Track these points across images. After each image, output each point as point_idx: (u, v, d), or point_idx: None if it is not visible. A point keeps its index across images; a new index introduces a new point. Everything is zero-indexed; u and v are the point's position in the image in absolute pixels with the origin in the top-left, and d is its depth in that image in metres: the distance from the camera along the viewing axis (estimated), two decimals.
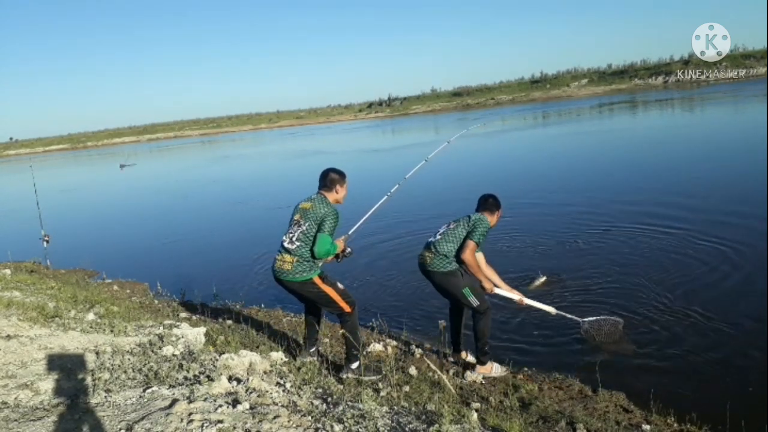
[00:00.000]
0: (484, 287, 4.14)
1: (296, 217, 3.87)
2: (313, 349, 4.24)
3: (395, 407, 2.79)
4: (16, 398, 2.68)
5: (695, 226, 7.78)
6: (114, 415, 2.46)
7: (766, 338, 4.44)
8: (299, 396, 2.75)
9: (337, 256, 3.99)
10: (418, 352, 4.61)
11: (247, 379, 2.86)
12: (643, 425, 3.32)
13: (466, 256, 3.96)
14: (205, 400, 2.54)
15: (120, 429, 2.33)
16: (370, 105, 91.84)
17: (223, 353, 3.32)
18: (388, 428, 2.36)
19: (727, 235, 7.16)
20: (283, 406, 2.55)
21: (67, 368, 3.08)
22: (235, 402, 2.51)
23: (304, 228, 3.76)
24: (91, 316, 4.40)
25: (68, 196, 23.53)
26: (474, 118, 45.64)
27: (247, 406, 2.47)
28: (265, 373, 3.14)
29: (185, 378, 2.91)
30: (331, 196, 3.92)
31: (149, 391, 2.70)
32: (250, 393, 2.69)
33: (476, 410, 3.17)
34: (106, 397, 2.65)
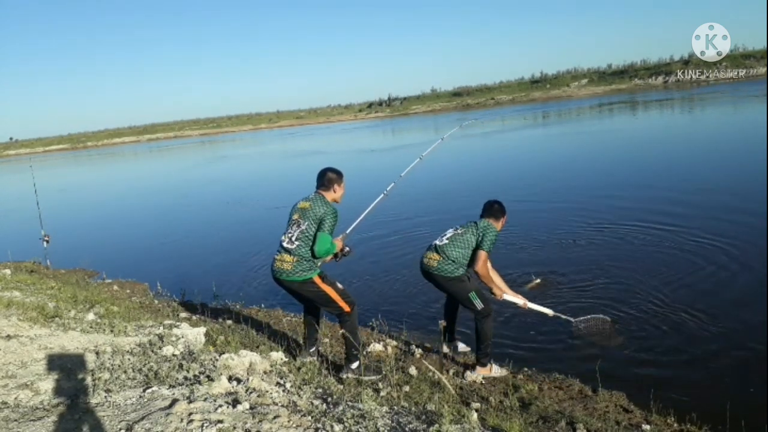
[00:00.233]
0: (494, 294, 4.22)
1: (295, 216, 3.87)
2: (313, 349, 4.24)
3: (395, 407, 2.79)
4: (16, 398, 2.68)
5: (693, 224, 7.80)
6: (114, 415, 2.46)
7: (766, 338, 4.44)
8: (299, 396, 2.75)
9: (335, 255, 4.00)
10: (418, 352, 4.61)
11: (247, 379, 2.86)
12: (643, 425, 3.32)
13: (480, 268, 4.02)
14: (205, 400, 2.54)
15: (120, 429, 2.33)
16: (370, 105, 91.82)
17: (223, 353, 3.32)
18: (388, 428, 2.36)
19: (726, 234, 7.17)
20: (283, 406, 2.55)
21: (67, 368, 3.08)
22: (235, 402, 2.51)
23: (304, 227, 3.76)
24: (91, 316, 4.40)
25: (68, 196, 23.53)
26: (473, 118, 45.64)
27: (247, 406, 2.47)
28: (265, 373, 3.14)
29: (185, 378, 2.91)
30: (329, 195, 3.92)
31: (149, 391, 2.70)
32: (250, 393, 2.69)
33: (476, 410, 3.17)
34: (106, 397, 2.65)
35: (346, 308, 3.87)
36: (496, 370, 4.21)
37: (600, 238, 7.80)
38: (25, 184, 14.47)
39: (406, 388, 3.60)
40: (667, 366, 4.29)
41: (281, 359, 3.54)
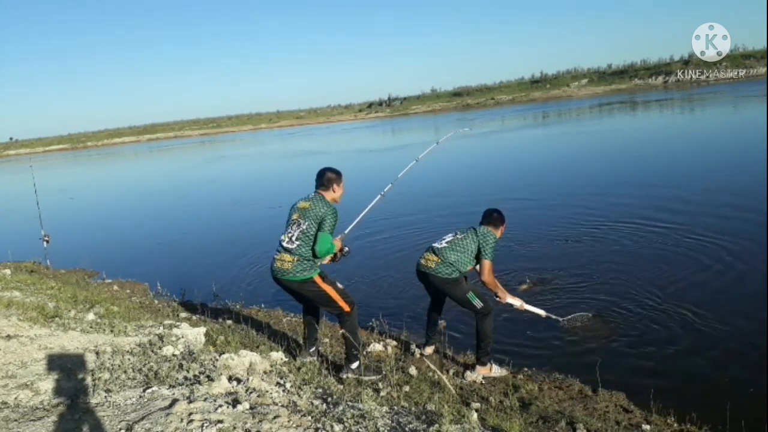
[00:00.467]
0: (499, 298, 4.29)
1: (294, 216, 3.87)
2: (313, 349, 4.24)
3: (395, 407, 2.79)
4: (16, 398, 2.68)
5: (692, 223, 7.82)
6: (114, 415, 2.46)
7: (766, 338, 4.44)
8: (299, 396, 2.75)
9: (334, 255, 4.00)
10: (418, 352, 4.61)
11: (247, 379, 2.86)
12: (643, 425, 3.33)
13: (487, 277, 4.12)
14: (205, 400, 2.54)
15: (120, 429, 2.33)
16: (370, 105, 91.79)
17: (223, 353, 3.32)
18: (388, 428, 2.36)
19: (725, 233, 7.18)
20: (283, 406, 2.55)
21: (67, 368, 3.08)
22: (235, 402, 2.51)
23: (304, 227, 3.76)
24: (91, 316, 4.40)
25: (68, 196, 23.53)
26: (471, 118, 45.68)
27: (247, 406, 2.47)
28: (265, 373, 3.14)
29: (185, 378, 2.91)
30: (329, 195, 3.92)
31: (149, 391, 2.70)
32: (250, 393, 2.69)
33: (476, 410, 3.17)
34: (106, 397, 2.65)
35: (346, 308, 3.87)
36: (496, 370, 4.21)
37: (599, 237, 7.81)
38: (25, 184, 14.47)
39: (406, 388, 3.60)
40: (667, 366, 4.29)
41: (281, 359, 3.54)
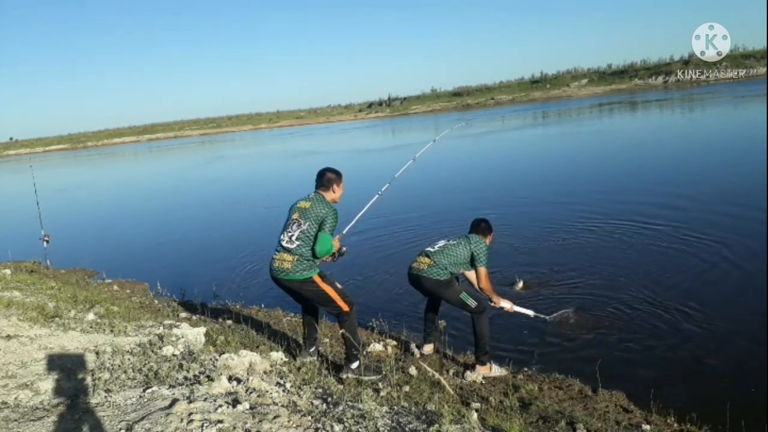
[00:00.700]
0: (493, 302, 4.40)
1: (294, 216, 3.87)
2: (313, 349, 4.24)
3: (395, 407, 2.79)
4: (16, 398, 2.68)
5: (691, 222, 7.83)
6: (114, 415, 2.46)
7: (766, 338, 4.44)
8: (299, 396, 2.75)
9: (333, 255, 4.01)
10: (418, 352, 4.61)
11: (247, 379, 2.86)
12: (643, 425, 3.32)
13: (483, 284, 4.27)
14: (205, 400, 2.54)
15: (120, 429, 2.33)
16: (370, 105, 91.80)
17: (223, 353, 3.32)
18: (388, 428, 2.36)
19: (724, 233, 7.19)
20: (283, 406, 2.55)
21: (67, 368, 3.08)
22: (235, 402, 2.51)
23: (305, 227, 3.76)
24: (91, 316, 4.40)
25: (68, 196, 23.53)
26: (471, 118, 45.65)
27: (247, 406, 2.47)
28: (265, 373, 3.13)
29: (185, 378, 2.91)
30: (329, 195, 3.93)
31: (149, 391, 2.70)
32: (250, 393, 2.69)
33: (476, 410, 3.17)
34: (106, 397, 2.65)
35: (345, 308, 3.87)
36: (496, 370, 4.22)
37: (597, 236, 7.81)
38: (25, 184, 14.47)
39: (406, 388, 3.60)
40: (667, 366, 4.29)
41: (281, 359, 3.54)
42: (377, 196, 4.93)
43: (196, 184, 22.65)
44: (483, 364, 4.20)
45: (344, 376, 3.83)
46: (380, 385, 3.68)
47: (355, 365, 3.91)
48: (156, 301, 6.64)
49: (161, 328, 4.13)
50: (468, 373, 4.16)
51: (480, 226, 4.45)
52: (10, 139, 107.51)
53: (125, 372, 2.98)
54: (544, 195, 11.35)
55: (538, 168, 15.65)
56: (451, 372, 4.25)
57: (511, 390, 3.83)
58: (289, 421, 2.35)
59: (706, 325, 4.86)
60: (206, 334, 4.11)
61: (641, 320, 5.08)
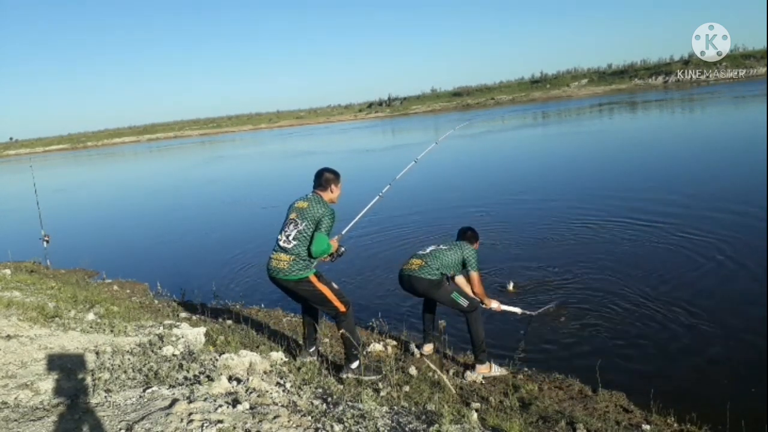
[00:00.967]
0: (484, 304, 4.49)
1: (292, 216, 3.87)
2: (313, 349, 4.24)
3: (395, 407, 2.79)
4: (16, 398, 2.68)
5: (690, 221, 7.83)
6: (114, 415, 2.46)
7: (766, 338, 4.44)
8: (299, 396, 2.75)
9: (331, 255, 4.01)
10: (418, 352, 4.61)
11: (247, 379, 2.86)
12: (643, 425, 3.32)
13: (477, 288, 4.40)
14: (205, 400, 2.54)
15: (120, 429, 2.33)
16: (370, 105, 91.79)
17: (223, 353, 3.32)
18: (388, 428, 2.36)
19: (724, 232, 7.18)
20: (283, 406, 2.55)
21: (67, 368, 3.08)
22: (235, 402, 2.51)
23: (301, 227, 3.77)
24: (91, 316, 4.40)
25: (68, 196, 23.53)
26: (470, 118, 45.64)
27: (247, 406, 2.47)
28: (265, 373, 3.14)
29: (185, 378, 2.91)
30: (326, 196, 3.93)
31: (149, 391, 2.70)
32: (250, 393, 2.69)
33: (476, 410, 3.17)
34: (106, 397, 2.65)
35: (342, 308, 3.87)
36: (495, 370, 4.22)
37: (595, 235, 7.81)
38: (25, 184, 14.47)
39: (406, 388, 3.60)
40: (667, 366, 4.29)
41: (281, 359, 3.54)
42: (378, 197, 4.93)
43: (196, 184, 22.65)
44: (482, 362, 4.21)
45: (344, 376, 3.83)
46: (380, 385, 3.68)
47: (354, 365, 3.91)
48: (156, 301, 6.64)
49: (161, 328, 4.13)
50: (468, 373, 4.16)
51: (466, 234, 4.64)
52: (10, 139, 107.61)
53: (125, 372, 2.98)
54: (542, 194, 11.36)
55: (538, 168, 15.66)
56: (451, 372, 4.25)
57: (511, 390, 3.83)
58: (289, 421, 2.35)
59: (706, 324, 4.86)
60: (206, 334, 4.11)
61: (641, 320, 5.07)
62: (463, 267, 4.40)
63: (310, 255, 3.76)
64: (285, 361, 3.56)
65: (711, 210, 8.42)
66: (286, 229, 3.84)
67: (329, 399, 2.73)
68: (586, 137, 22.54)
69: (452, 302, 4.27)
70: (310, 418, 2.41)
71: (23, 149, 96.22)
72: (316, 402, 2.64)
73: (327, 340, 4.82)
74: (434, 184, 14.28)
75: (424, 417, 2.57)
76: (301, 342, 4.46)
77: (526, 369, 4.31)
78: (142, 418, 2.38)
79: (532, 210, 10.06)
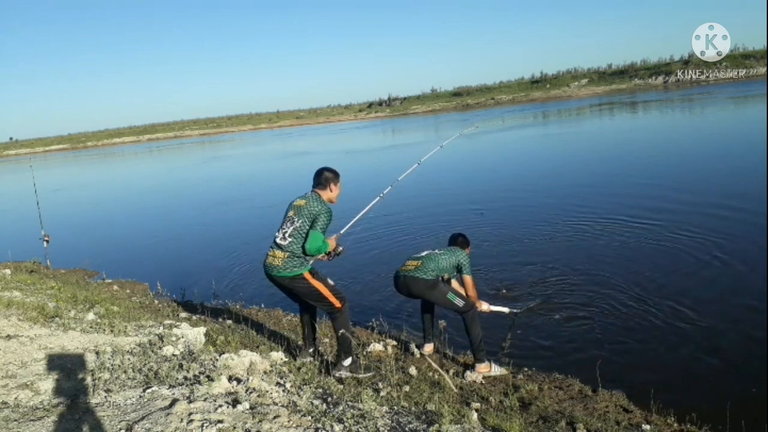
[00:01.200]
0: (476, 306, 4.52)
1: (290, 213, 3.89)
2: (313, 349, 4.24)
3: (395, 407, 2.79)
4: (16, 398, 2.68)
5: (690, 221, 7.83)
6: (114, 415, 2.46)
7: (766, 338, 4.44)
8: (299, 396, 2.75)
9: (328, 254, 4.01)
10: (418, 352, 4.62)
11: (247, 379, 2.86)
12: (643, 425, 3.32)
13: (471, 292, 4.47)
14: (205, 400, 2.54)
15: (120, 429, 2.33)
16: (370, 105, 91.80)
17: (223, 353, 3.32)
18: (388, 428, 2.36)
19: (724, 231, 7.18)
20: (283, 406, 2.55)
21: (67, 368, 3.08)
22: (235, 402, 2.51)
23: (297, 225, 3.78)
24: (91, 316, 4.40)
25: (68, 195, 23.52)
26: (467, 118, 45.66)
27: (247, 406, 2.47)
28: (265, 373, 3.14)
29: (185, 378, 2.91)
30: (325, 195, 3.94)
31: (149, 391, 2.70)
32: (250, 393, 2.69)
33: (476, 410, 3.17)
34: (106, 397, 2.65)
35: (337, 304, 3.88)
36: (496, 369, 4.22)
37: (594, 234, 7.81)
38: (25, 184, 14.47)
39: (406, 388, 3.60)
40: (667, 366, 4.29)
41: (281, 359, 3.54)
42: (379, 197, 4.93)
43: (196, 184, 22.65)
44: (482, 361, 4.22)
45: (337, 374, 3.83)
46: (380, 385, 3.68)
47: (347, 362, 3.91)
48: (156, 301, 6.64)
49: (161, 328, 4.13)
50: (468, 372, 4.17)
51: (458, 240, 4.74)
52: (10, 139, 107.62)
53: (125, 372, 2.99)
54: (540, 193, 11.37)
55: (537, 167, 15.65)
56: (451, 372, 4.24)
57: (511, 390, 3.83)
58: (289, 421, 2.35)
59: (706, 324, 4.86)
60: (206, 334, 4.11)
61: (641, 320, 5.07)
62: (458, 271, 4.50)
63: (304, 252, 3.77)
64: (285, 361, 3.56)
65: (711, 209, 8.41)
66: (284, 226, 3.86)
67: (329, 399, 2.73)
68: (585, 137, 22.53)
69: (448, 302, 4.32)
70: (310, 418, 2.41)
71: (23, 149, 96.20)
72: (316, 402, 2.64)
73: (327, 339, 4.82)
74: (435, 184, 14.27)
75: (424, 417, 2.57)
76: (300, 342, 4.46)
77: (526, 369, 4.31)
78: (142, 418, 2.38)
79: (528, 209, 10.07)
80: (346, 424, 2.35)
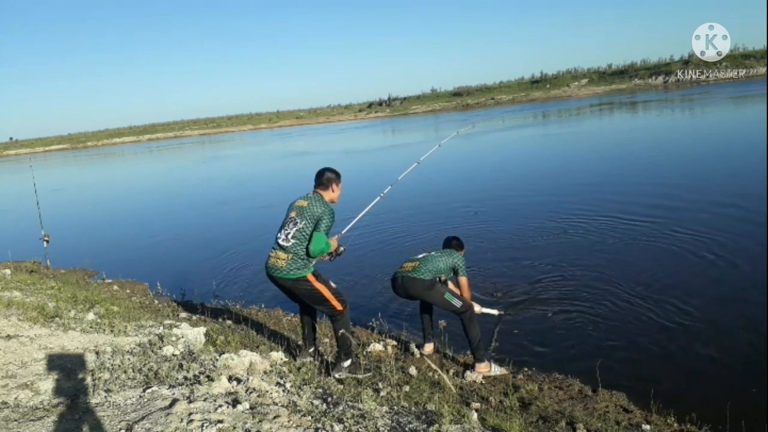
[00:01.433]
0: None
1: (292, 214, 3.87)
2: (313, 349, 4.24)
3: (395, 407, 2.79)
4: (16, 398, 2.68)
5: (690, 220, 7.81)
6: (114, 415, 2.46)
7: (766, 338, 4.44)
8: (299, 396, 2.75)
9: (330, 254, 4.01)
10: (418, 352, 4.62)
11: (247, 379, 2.86)
12: (643, 425, 3.32)
13: (466, 293, 4.53)
14: (205, 400, 2.54)
15: (120, 429, 2.33)
16: (370, 105, 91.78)
17: (223, 353, 3.32)
18: (388, 428, 2.36)
19: (724, 231, 7.18)
20: (283, 406, 2.55)
21: (67, 368, 3.08)
22: (235, 402, 2.51)
23: (300, 226, 3.77)
24: (91, 316, 4.40)
25: (68, 195, 23.52)
26: (466, 118, 45.66)
27: (247, 406, 2.48)
28: (265, 373, 3.14)
29: (185, 378, 2.91)
30: (327, 195, 3.94)
31: (149, 391, 2.70)
32: (250, 393, 2.69)
33: (476, 410, 3.18)
34: (106, 397, 2.65)
35: (339, 307, 3.88)
36: (495, 369, 4.23)
37: (596, 234, 7.80)
38: (25, 184, 14.47)
39: (406, 388, 3.60)
40: (667, 366, 4.29)
41: (281, 359, 3.55)
42: (379, 197, 4.94)
43: (196, 184, 22.65)
44: (481, 361, 4.22)
45: (336, 375, 3.83)
46: (380, 385, 3.68)
47: (347, 363, 3.91)
48: (156, 301, 6.64)
49: (161, 328, 4.13)
50: (468, 372, 4.17)
51: (452, 243, 4.81)
52: (10, 139, 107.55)
53: (125, 372, 2.99)
54: (538, 194, 11.37)
55: (536, 167, 15.65)
56: (451, 372, 4.25)
57: (511, 390, 3.83)
58: (289, 421, 2.35)
59: (706, 324, 4.86)
60: (206, 334, 4.11)
61: (641, 320, 5.07)
62: (454, 273, 4.54)
63: (308, 254, 3.76)
64: (285, 361, 3.57)
65: (711, 208, 8.41)
66: (286, 227, 3.84)
67: (329, 399, 2.73)
68: (584, 137, 22.53)
69: (446, 303, 4.34)
70: (310, 418, 2.41)
71: (23, 149, 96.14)
72: (316, 402, 2.64)
73: (327, 340, 4.82)
74: (435, 183, 14.27)
75: (424, 417, 2.58)
76: (300, 342, 4.46)
77: (526, 369, 4.31)
78: (142, 418, 2.38)
79: (526, 208, 10.06)
80: (346, 424, 2.35)
